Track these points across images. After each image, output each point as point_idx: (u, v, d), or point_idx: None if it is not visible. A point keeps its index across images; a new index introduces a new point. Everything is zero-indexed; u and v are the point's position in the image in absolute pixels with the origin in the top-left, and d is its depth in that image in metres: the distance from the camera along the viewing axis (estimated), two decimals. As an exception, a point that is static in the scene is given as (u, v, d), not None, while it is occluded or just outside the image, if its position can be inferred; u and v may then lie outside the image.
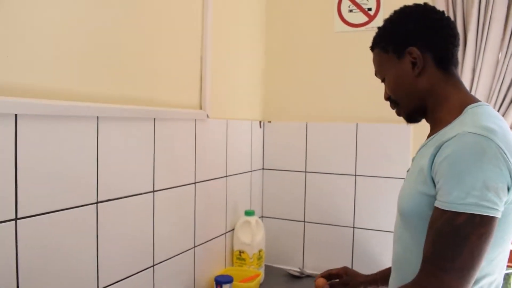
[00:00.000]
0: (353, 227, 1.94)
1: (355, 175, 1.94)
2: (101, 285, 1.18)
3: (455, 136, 0.93)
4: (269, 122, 2.12)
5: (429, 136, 1.12)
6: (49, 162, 1.02)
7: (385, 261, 1.86)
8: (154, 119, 1.36)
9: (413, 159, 1.16)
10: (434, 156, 0.96)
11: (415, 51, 1.07)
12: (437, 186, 0.94)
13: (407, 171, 1.17)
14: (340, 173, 1.97)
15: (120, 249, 1.24)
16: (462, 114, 1.01)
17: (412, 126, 1.82)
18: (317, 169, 2.02)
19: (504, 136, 0.93)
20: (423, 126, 1.19)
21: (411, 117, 1.17)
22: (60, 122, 1.04)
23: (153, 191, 1.37)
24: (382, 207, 1.89)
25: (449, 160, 0.91)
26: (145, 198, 1.33)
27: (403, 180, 1.85)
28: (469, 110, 1.01)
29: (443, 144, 0.94)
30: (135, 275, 1.30)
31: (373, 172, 1.91)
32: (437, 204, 0.93)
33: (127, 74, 1.27)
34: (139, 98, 1.32)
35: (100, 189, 1.16)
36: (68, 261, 1.08)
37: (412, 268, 1.02)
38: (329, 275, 1.39)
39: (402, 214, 1.08)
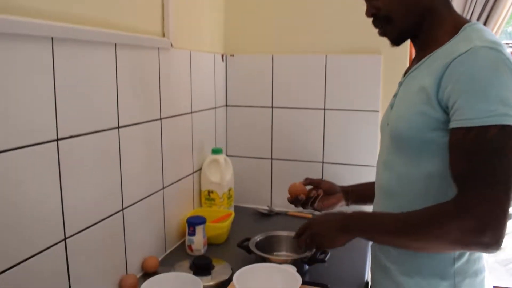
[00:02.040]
0: (322, 162, 1.88)
1: (324, 109, 1.85)
2: (68, 233, 1.03)
3: (467, 51, 0.87)
4: (232, 55, 1.96)
5: (418, 58, 1.05)
6: (-2, 90, 0.83)
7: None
8: (116, 44, 1.17)
9: (400, 84, 1.09)
10: (442, 76, 0.89)
11: None
12: (454, 106, 0.87)
13: (394, 96, 1.09)
14: (308, 107, 1.87)
15: (86, 193, 1.09)
16: (460, 32, 0.95)
17: (383, 56, 1.74)
18: (284, 104, 1.91)
19: (506, 49, 0.90)
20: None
21: (402, 36, 1.07)
22: (7, 42, 0.84)
23: (118, 127, 1.20)
24: (352, 140, 1.83)
25: (467, 75, 0.85)
26: (110, 134, 1.17)
27: (373, 112, 1.80)
28: (468, 28, 0.96)
29: (452, 62, 0.88)
30: (105, 220, 1.16)
31: (342, 105, 1.83)
32: (458, 124, 0.86)
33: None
34: (95, 19, 1.11)
35: (60, 125, 0.99)
36: (29, 209, 0.92)
37: (407, 194, 1.00)
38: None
39: (396, 138, 1.02)
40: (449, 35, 0.96)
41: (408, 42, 1.14)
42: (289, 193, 1.30)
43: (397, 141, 1.02)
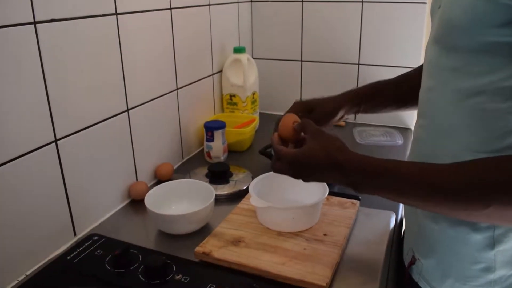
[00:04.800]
0: (358, 64, 1.62)
1: (362, 1, 1.56)
2: (59, 135, 0.87)
3: None
4: None
5: None
6: None
7: (395, 99, 1.58)
8: None
9: None
10: None
11: None
12: None
13: None
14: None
15: (77, 91, 0.91)
16: None
17: None
18: (316, -3, 1.62)
19: None
20: None
21: None
22: None
23: (116, 14, 0.99)
24: (393, 38, 1.55)
25: None
26: (105, 22, 0.96)
27: (419, 4, 1.50)
28: None
29: None
30: (105, 122, 0.99)
31: (384, -4, 1.53)
32: None
33: None
34: None
35: (37, 5, 0.79)
36: (9, 112, 0.75)
37: (449, 116, 0.68)
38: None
39: (447, 30, 0.67)
40: None
41: None
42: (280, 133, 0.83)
43: (447, 35, 0.67)
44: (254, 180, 0.99)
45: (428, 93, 0.73)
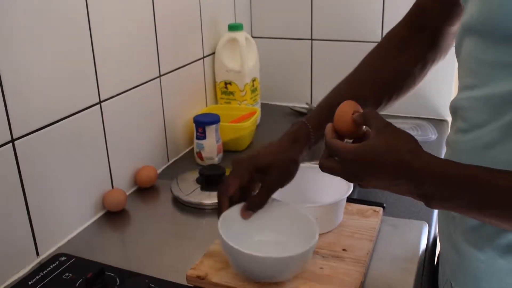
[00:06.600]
0: (381, 42, 1.63)
1: (385, -34, 1.57)
2: (16, 134, 0.87)
3: None
4: None
5: None
6: None
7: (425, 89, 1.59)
8: None
9: None
10: None
11: None
12: None
13: None
14: (362, -36, 1.60)
15: (38, 79, 0.91)
16: None
17: None
18: (328, -39, 1.64)
19: None
20: None
21: None
22: None
23: (84, -15, 1.00)
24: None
25: None
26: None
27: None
28: None
29: None
30: (72, 117, 0.99)
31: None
32: None
33: None
34: None
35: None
36: None
37: (490, 112, 0.66)
38: None
39: (506, 18, 0.63)
40: None
41: None
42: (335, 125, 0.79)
43: (503, 24, 0.63)
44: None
45: (468, 93, 0.71)
